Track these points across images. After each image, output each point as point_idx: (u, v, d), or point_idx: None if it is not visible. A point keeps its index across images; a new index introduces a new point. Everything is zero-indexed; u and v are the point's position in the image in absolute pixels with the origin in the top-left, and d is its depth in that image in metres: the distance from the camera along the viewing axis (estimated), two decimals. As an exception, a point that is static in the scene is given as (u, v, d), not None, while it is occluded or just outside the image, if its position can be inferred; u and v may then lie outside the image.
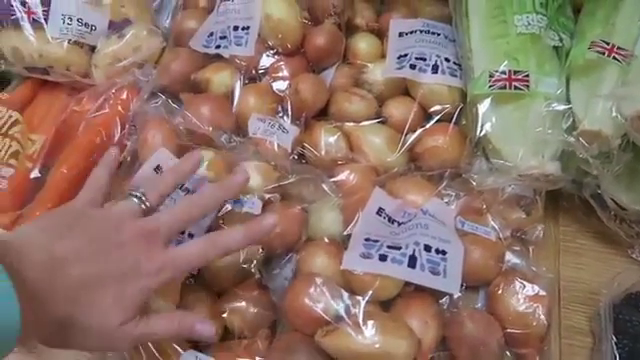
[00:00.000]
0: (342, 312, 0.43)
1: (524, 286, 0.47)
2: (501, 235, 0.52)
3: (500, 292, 0.47)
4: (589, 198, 0.52)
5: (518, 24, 0.53)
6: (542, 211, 0.52)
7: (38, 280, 0.35)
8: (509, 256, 0.52)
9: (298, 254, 0.51)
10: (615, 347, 0.45)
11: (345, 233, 0.50)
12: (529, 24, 0.53)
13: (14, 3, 0.60)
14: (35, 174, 0.54)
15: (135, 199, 0.43)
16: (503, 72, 0.51)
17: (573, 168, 0.51)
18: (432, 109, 0.59)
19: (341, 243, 0.51)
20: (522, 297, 0.47)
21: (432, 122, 0.58)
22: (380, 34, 0.68)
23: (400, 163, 0.57)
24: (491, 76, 0.51)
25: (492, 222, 0.53)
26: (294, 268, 0.51)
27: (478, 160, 0.54)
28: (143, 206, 0.43)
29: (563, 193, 0.55)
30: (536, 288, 0.47)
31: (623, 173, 0.49)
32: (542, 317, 0.46)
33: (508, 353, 0.47)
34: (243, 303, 0.48)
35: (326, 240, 0.51)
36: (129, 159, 0.57)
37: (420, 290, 0.47)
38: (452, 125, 0.57)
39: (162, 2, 0.72)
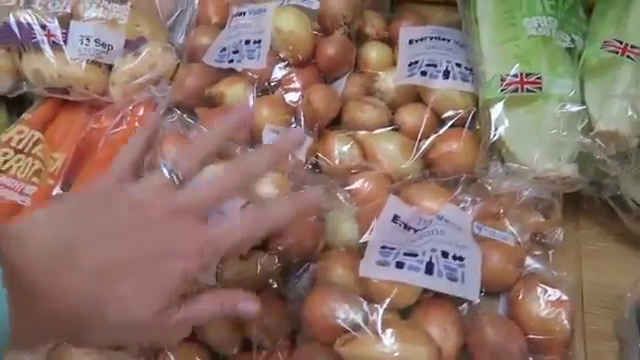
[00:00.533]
0: (360, 320, 0.43)
1: (545, 291, 0.47)
2: (520, 239, 0.51)
3: (521, 298, 0.47)
4: (609, 200, 0.52)
5: (528, 27, 0.53)
6: (561, 214, 0.51)
7: (39, 273, 0.31)
8: (529, 261, 0.51)
9: (315, 263, 0.51)
10: (641, 351, 0.44)
11: (361, 241, 0.50)
12: (539, 26, 0.53)
13: (35, 27, 0.62)
14: (57, 191, 0.55)
15: (165, 170, 0.37)
16: (515, 75, 0.51)
17: (591, 170, 0.51)
18: (445, 115, 0.58)
19: (358, 251, 0.51)
20: (544, 302, 0.46)
21: (445, 128, 0.58)
22: (390, 42, 0.68)
23: (414, 170, 0.57)
24: (503, 80, 0.51)
25: (510, 226, 0.52)
26: (312, 278, 0.51)
27: (493, 164, 0.54)
28: (175, 179, 0.37)
29: (583, 195, 0.54)
30: (558, 293, 0.46)
31: (643, 173, 0.48)
32: (565, 322, 0.45)
33: (531, 359, 0.46)
34: (262, 314, 0.48)
35: (343, 249, 0.51)
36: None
37: (439, 297, 0.47)
38: (466, 130, 0.57)
39: (176, 20, 0.73)
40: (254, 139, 0.61)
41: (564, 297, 0.46)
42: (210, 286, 0.49)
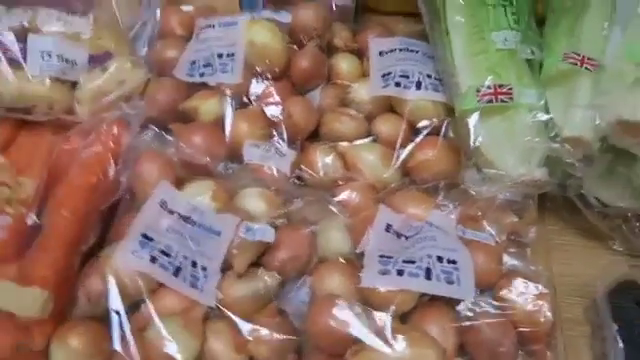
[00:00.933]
0: (369, 330, 0.45)
1: (528, 286, 0.51)
2: (498, 239, 0.55)
3: (507, 294, 0.50)
4: (574, 198, 0.57)
5: (496, 40, 0.57)
6: (536, 213, 0.55)
7: None
8: (507, 258, 0.55)
9: (311, 276, 0.52)
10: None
11: (357, 251, 0.52)
12: (506, 40, 0.57)
13: (-13, 43, 0.58)
14: (32, 219, 0.52)
15: None
16: (489, 87, 0.54)
17: (558, 172, 0.55)
18: (420, 124, 0.61)
19: (352, 261, 0.53)
20: (528, 297, 0.50)
21: (421, 136, 0.61)
22: (358, 53, 0.70)
23: (395, 178, 0.60)
24: (478, 91, 0.55)
25: (488, 228, 0.56)
26: (309, 291, 0.52)
27: (469, 170, 0.58)
28: None
29: (547, 195, 0.59)
30: (539, 287, 0.51)
31: (604, 173, 0.54)
32: (548, 313, 0.49)
33: (520, 351, 0.50)
34: (267, 331, 0.48)
35: (338, 260, 0.53)
36: (128, 197, 0.56)
37: (434, 299, 0.49)
38: (440, 138, 0.61)
39: (136, 32, 0.71)
40: (234, 155, 0.61)
41: (545, 290, 0.51)
42: (211, 308, 0.49)
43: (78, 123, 0.61)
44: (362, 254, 0.52)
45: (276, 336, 0.48)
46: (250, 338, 0.48)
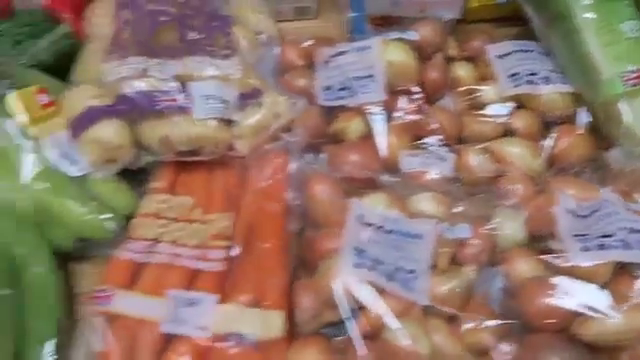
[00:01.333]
0: (592, 301, 0.49)
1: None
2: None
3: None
4: None
5: (625, 30, 0.62)
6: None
7: None
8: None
9: (501, 265, 0.56)
10: None
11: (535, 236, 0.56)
12: (632, 29, 0.62)
13: (156, 94, 0.62)
14: (236, 251, 0.56)
15: None
16: (632, 71, 0.60)
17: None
18: (553, 115, 0.67)
19: (532, 246, 0.57)
20: None
21: (558, 126, 0.66)
22: (469, 60, 0.75)
23: (544, 167, 0.64)
24: (621, 77, 0.60)
25: (640, 200, 0.61)
26: (503, 278, 0.56)
27: (613, 150, 0.63)
28: None
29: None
30: None
31: None
32: None
33: None
34: (482, 319, 0.52)
35: (519, 247, 0.57)
36: (307, 218, 0.60)
37: (622, 267, 0.54)
38: (577, 125, 0.66)
39: (262, 68, 0.75)
40: (389, 167, 0.65)
41: None
42: (423, 306, 0.53)
43: (238, 158, 0.65)
44: (538, 238, 0.57)
45: (492, 322, 0.52)
46: (468, 328, 0.52)
